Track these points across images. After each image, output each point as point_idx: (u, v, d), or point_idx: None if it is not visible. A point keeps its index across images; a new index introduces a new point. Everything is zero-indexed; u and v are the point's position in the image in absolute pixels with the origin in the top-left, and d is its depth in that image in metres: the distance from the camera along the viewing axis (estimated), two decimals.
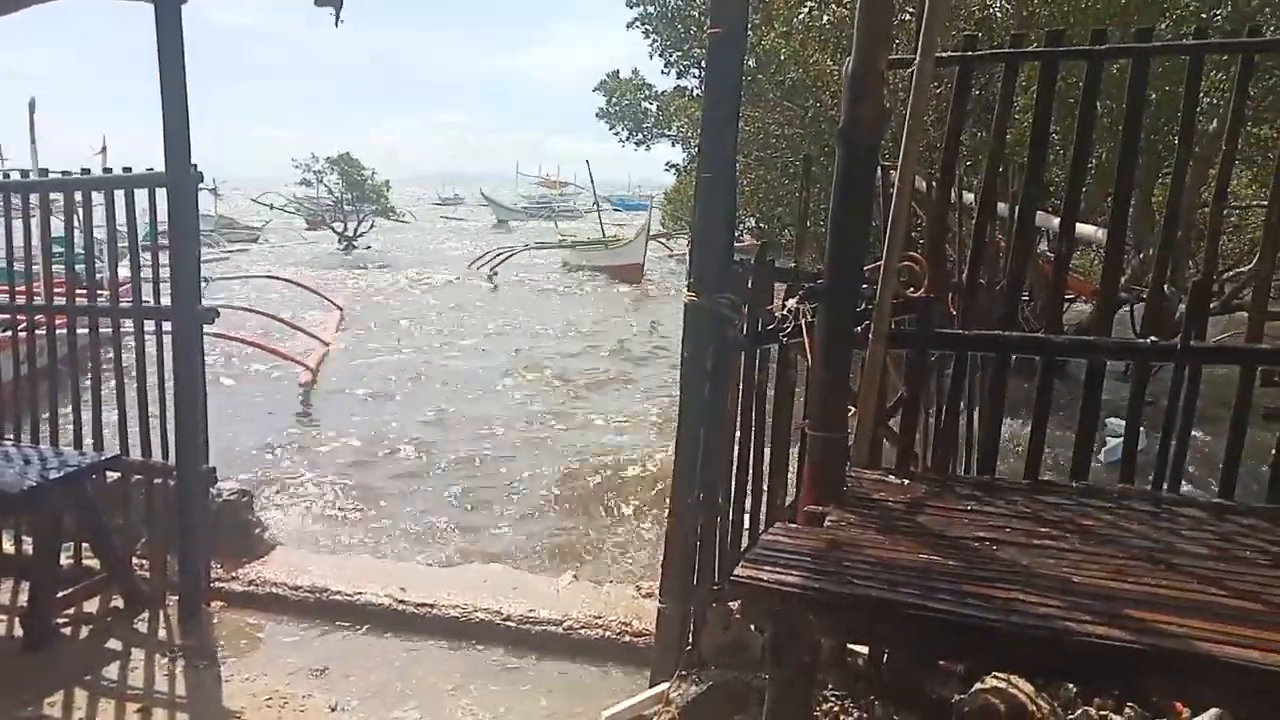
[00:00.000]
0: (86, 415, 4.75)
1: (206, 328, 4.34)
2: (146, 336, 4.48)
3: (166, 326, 4.36)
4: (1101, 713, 3.25)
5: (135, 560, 4.67)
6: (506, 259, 29.34)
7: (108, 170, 4.79)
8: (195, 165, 4.10)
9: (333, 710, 3.68)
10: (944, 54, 3.35)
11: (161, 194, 4.23)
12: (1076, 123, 3.23)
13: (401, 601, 4.43)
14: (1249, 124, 10.08)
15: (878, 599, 2.33)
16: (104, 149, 17.45)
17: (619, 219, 49.14)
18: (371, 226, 39.09)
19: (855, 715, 3.41)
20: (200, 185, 4.11)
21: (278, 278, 21.11)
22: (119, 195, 4.54)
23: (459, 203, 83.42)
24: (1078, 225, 6.51)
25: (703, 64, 12.45)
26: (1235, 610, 2.28)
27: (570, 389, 12.82)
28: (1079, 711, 3.23)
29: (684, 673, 3.60)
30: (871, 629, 2.44)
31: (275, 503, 7.64)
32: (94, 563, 4.55)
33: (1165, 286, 3.51)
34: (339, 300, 19.37)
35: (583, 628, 4.20)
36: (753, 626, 3.55)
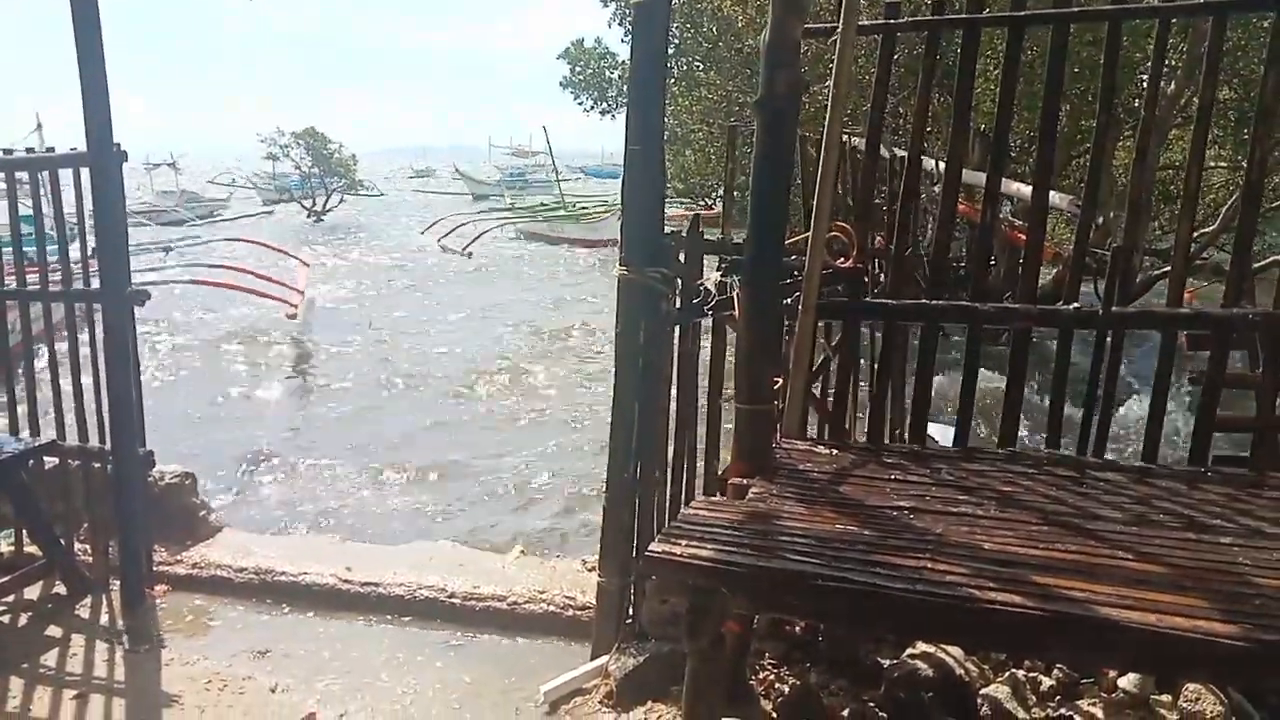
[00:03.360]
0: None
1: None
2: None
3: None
4: (1031, 675, 3.31)
5: (78, 546, 4.63)
6: (476, 236, 28.49)
7: (50, 149, 4.68)
8: (119, 144, 4.00)
9: (273, 691, 3.67)
10: (866, 22, 3.33)
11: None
12: (998, 90, 3.23)
13: (347, 581, 4.42)
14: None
15: (787, 571, 2.34)
16: (39, 125, 16.90)
17: (591, 188, 48.77)
18: (341, 201, 38.60)
19: (790, 683, 3.46)
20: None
21: (242, 239, 20.49)
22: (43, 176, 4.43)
23: (431, 174, 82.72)
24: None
25: None
26: (1139, 574, 2.30)
27: None
28: (1007, 674, 3.29)
29: (623, 645, 3.63)
30: (782, 601, 2.45)
31: None
32: (36, 550, 4.50)
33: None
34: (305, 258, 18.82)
35: (527, 602, 4.21)
36: None
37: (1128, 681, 3.17)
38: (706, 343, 3.79)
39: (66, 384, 4.48)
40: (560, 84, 22.52)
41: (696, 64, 16.56)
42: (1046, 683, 3.25)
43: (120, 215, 4.12)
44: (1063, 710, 3.13)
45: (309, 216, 36.64)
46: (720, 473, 3.72)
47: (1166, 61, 10.57)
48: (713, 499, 3.03)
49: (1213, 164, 13.23)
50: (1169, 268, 3.27)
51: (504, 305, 17.37)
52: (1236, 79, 11.50)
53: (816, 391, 3.86)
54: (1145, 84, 3.16)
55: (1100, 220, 11.61)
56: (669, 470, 3.79)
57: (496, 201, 38.28)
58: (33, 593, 4.39)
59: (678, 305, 3.61)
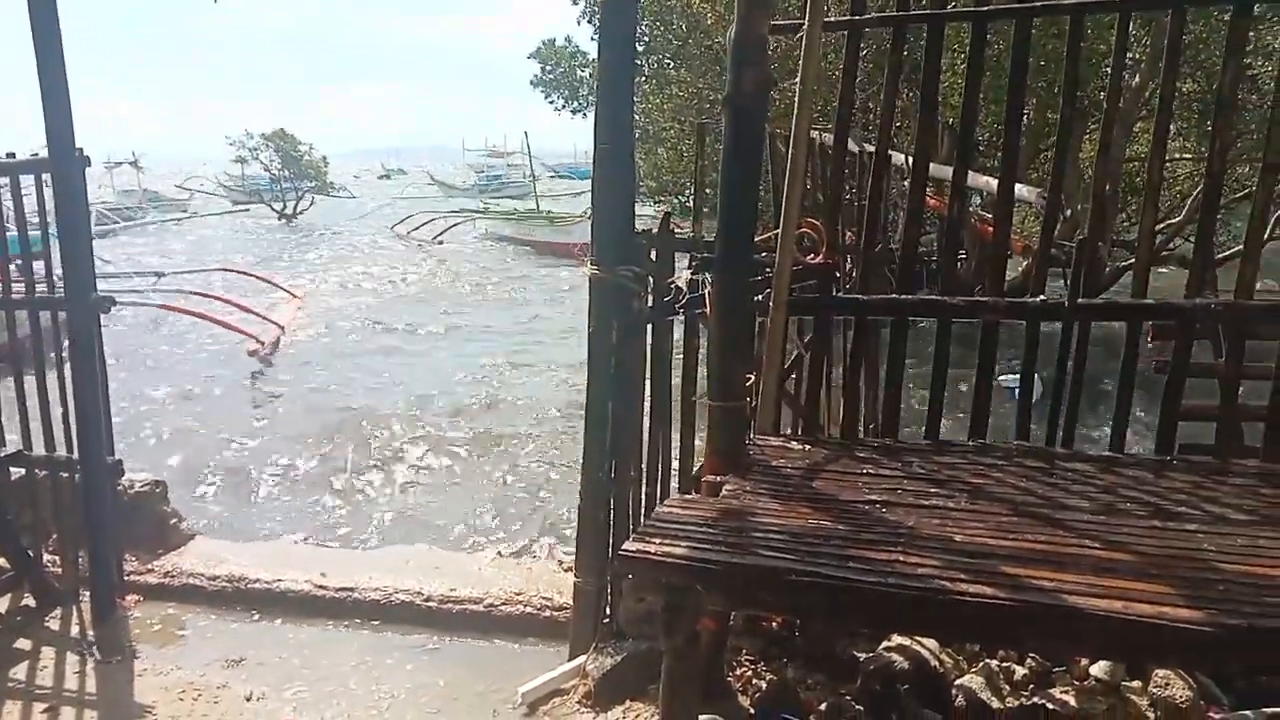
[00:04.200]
0: None
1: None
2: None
3: None
4: (1004, 665, 3.34)
5: (46, 557, 4.57)
6: (447, 228, 28.88)
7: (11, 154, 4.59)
8: (81, 150, 3.95)
9: (248, 700, 3.65)
10: (832, 19, 3.35)
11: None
12: (964, 85, 3.25)
13: (321, 587, 4.39)
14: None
15: (761, 567, 2.34)
16: None
17: (565, 187, 48.60)
18: (311, 203, 38.22)
19: (768, 678, 3.47)
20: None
21: (234, 270, 19.94)
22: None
23: (397, 174, 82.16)
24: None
25: None
26: (1106, 563, 2.33)
27: None
28: (981, 665, 3.32)
29: (600, 645, 3.63)
30: (757, 597, 2.46)
31: None
32: (3, 561, 4.43)
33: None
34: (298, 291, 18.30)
35: (503, 604, 4.20)
36: None
37: (1099, 669, 3.20)
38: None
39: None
40: (531, 83, 22.45)
41: (667, 61, 16.56)
42: (1020, 672, 3.28)
43: (84, 221, 4.07)
44: (1036, 699, 3.16)
45: (279, 219, 36.27)
46: (695, 470, 3.73)
47: (1131, 55, 10.74)
48: (687, 497, 3.03)
49: (1178, 155, 13.39)
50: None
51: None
52: (1200, 71, 11.64)
53: (789, 388, 3.87)
54: (1070, 81, 3.19)
55: (1069, 213, 11.72)
56: (644, 469, 3.78)
57: (471, 205, 38.14)
58: (0, 605, 4.32)
59: (649, 304, 3.61)
